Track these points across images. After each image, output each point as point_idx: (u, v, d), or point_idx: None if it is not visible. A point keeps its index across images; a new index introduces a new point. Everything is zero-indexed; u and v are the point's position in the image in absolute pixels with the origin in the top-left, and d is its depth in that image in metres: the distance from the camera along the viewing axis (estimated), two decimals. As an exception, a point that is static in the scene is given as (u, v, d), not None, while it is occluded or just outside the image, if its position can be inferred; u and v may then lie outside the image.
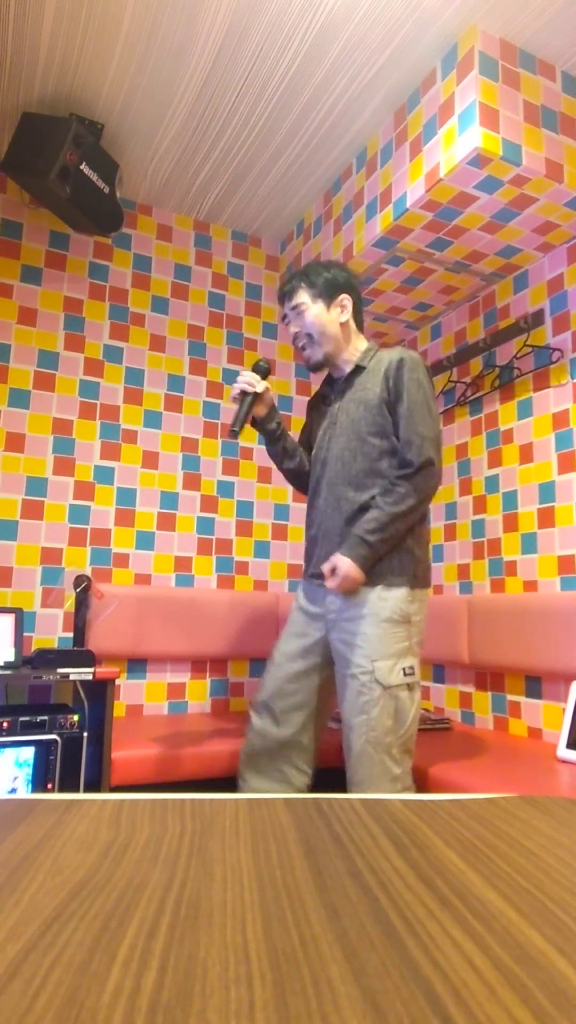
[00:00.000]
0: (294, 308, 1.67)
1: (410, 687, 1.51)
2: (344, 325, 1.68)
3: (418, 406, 1.56)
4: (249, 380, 1.63)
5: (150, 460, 2.66)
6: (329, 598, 1.62)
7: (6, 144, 2.49)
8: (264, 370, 1.68)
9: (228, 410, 2.85)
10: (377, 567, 1.54)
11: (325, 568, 1.54)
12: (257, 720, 1.68)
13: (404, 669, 1.51)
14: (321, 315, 1.65)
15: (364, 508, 1.57)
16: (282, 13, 1.92)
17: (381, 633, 1.51)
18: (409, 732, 1.51)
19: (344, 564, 1.51)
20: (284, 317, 1.73)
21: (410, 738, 1.52)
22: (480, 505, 2.59)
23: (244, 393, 1.63)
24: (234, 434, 1.59)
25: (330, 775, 2.05)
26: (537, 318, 2.37)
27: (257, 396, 1.64)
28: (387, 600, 1.53)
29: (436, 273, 2.53)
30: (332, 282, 1.66)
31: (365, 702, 1.48)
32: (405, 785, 1.50)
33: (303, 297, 1.66)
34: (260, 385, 1.64)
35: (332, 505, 1.62)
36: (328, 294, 1.65)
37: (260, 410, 1.69)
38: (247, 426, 1.88)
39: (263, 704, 1.68)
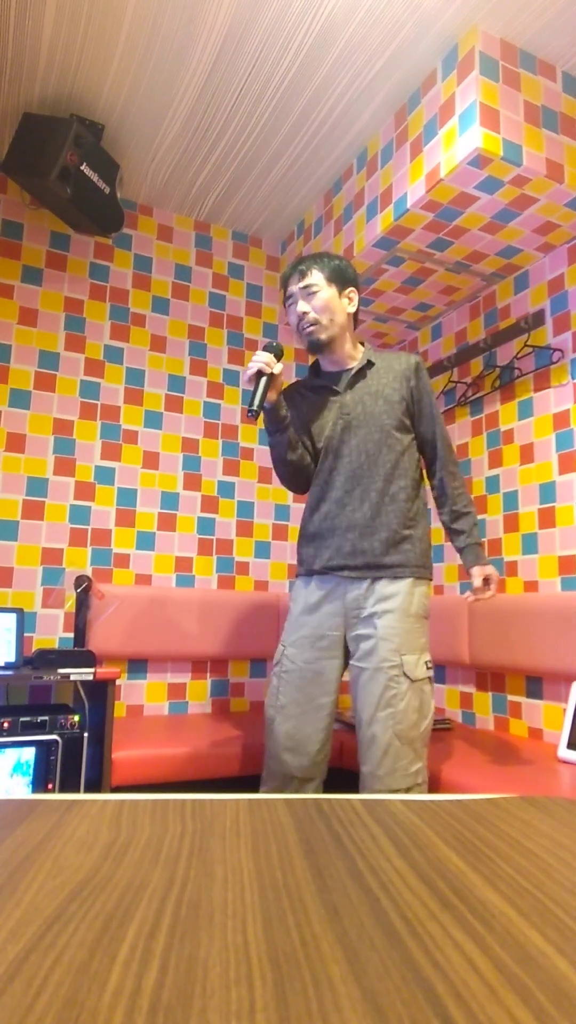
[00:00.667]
0: (305, 287, 1.64)
1: (430, 680, 1.57)
2: (349, 316, 1.69)
3: (437, 410, 1.71)
4: (266, 360, 1.53)
5: (151, 460, 2.66)
6: (352, 594, 1.59)
7: (7, 145, 2.50)
8: (278, 350, 1.57)
9: (228, 410, 2.85)
10: (407, 558, 1.59)
11: (478, 582, 1.61)
12: (288, 742, 1.61)
13: (426, 663, 1.56)
14: (333, 299, 1.65)
15: (393, 499, 1.60)
16: (282, 14, 1.92)
17: (408, 628, 1.54)
18: (429, 725, 1.54)
19: (493, 570, 1.62)
20: (289, 297, 1.68)
21: (429, 731, 1.55)
22: (481, 505, 2.58)
23: (261, 373, 1.53)
24: (254, 415, 1.49)
25: (331, 776, 2.05)
26: (538, 318, 2.37)
27: (272, 377, 1.54)
28: (415, 595, 1.57)
29: (437, 273, 2.53)
30: (343, 272, 1.67)
31: (393, 696, 1.50)
32: (424, 778, 1.52)
33: (317, 278, 1.64)
34: (277, 366, 1.55)
35: (358, 497, 1.61)
36: (340, 282, 1.66)
37: (272, 395, 1.58)
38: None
39: (291, 720, 1.61)
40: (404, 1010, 0.32)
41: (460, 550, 1.65)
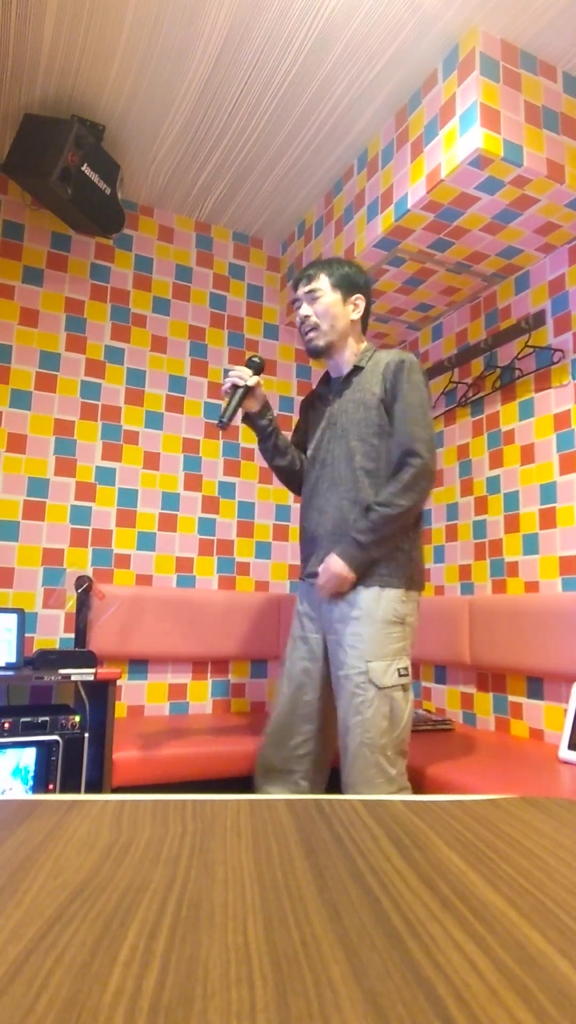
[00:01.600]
0: (310, 292, 1.66)
1: (404, 688, 1.52)
2: (354, 323, 1.70)
3: (413, 408, 1.57)
4: (240, 374, 1.63)
5: (151, 461, 2.66)
6: (326, 601, 1.62)
7: (8, 145, 2.50)
8: (257, 366, 1.66)
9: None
10: (372, 568, 1.55)
11: (319, 568, 1.57)
12: (274, 734, 1.66)
13: (399, 670, 1.51)
14: (335, 305, 1.65)
15: (361, 505, 1.58)
16: (283, 15, 1.92)
17: (375, 633, 1.51)
18: (403, 733, 1.51)
19: (335, 564, 1.53)
20: (295, 301, 1.71)
21: (404, 739, 1.52)
22: (481, 506, 2.58)
23: (235, 387, 1.63)
24: (222, 426, 1.57)
25: (331, 776, 2.04)
26: (538, 319, 2.37)
27: (248, 390, 1.63)
28: (382, 600, 1.53)
29: (437, 274, 2.53)
30: (351, 279, 1.67)
31: (360, 703, 1.48)
32: (401, 786, 1.50)
33: (322, 283, 1.65)
34: (251, 379, 1.63)
35: (334, 505, 1.62)
36: (346, 288, 1.66)
37: (252, 405, 1.68)
38: (239, 422, 1.85)
39: (279, 715, 1.67)
40: (405, 1011, 0.32)
41: (349, 540, 1.54)
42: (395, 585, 1.55)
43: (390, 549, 1.56)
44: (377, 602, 1.53)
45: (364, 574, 1.55)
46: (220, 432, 1.65)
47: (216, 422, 1.59)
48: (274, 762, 1.64)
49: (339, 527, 1.59)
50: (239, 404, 1.62)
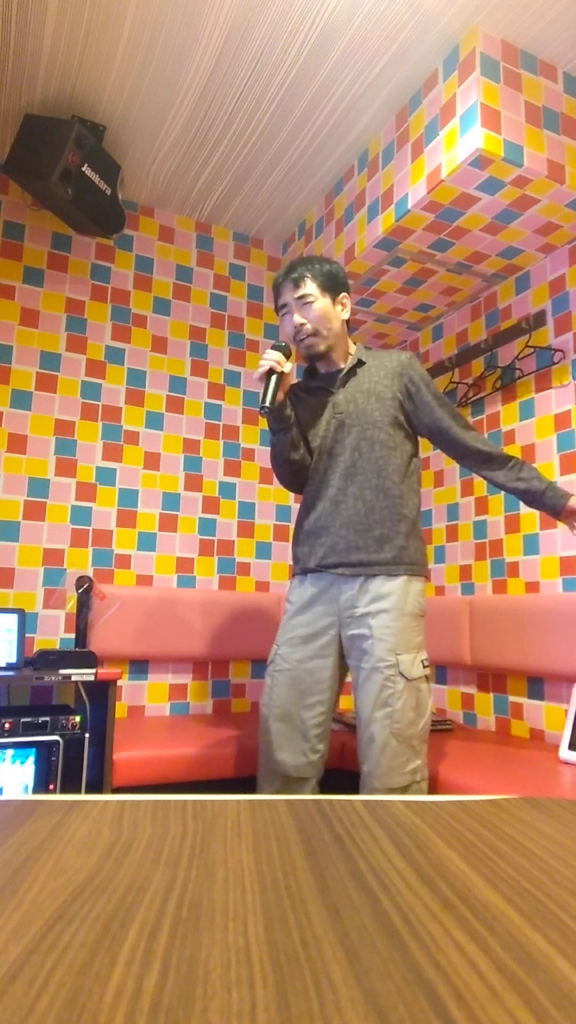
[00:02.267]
0: (300, 298, 1.63)
1: (427, 679, 1.56)
2: (344, 322, 1.70)
3: (442, 396, 1.69)
4: (277, 358, 1.56)
5: (152, 461, 2.66)
6: (346, 594, 1.60)
7: (8, 146, 2.50)
8: (285, 350, 1.59)
9: (230, 411, 2.85)
10: (402, 554, 1.58)
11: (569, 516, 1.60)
12: (282, 740, 1.60)
13: (423, 662, 1.55)
14: (327, 308, 1.65)
15: (387, 495, 1.59)
16: (283, 15, 1.92)
17: (403, 627, 1.54)
18: (427, 723, 1.55)
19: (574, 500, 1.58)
20: (283, 306, 1.67)
21: (427, 729, 1.55)
22: (482, 506, 2.58)
23: (272, 371, 1.56)
24: (266, 411, 1.52)
25: (331, 776, 2.05)
26: (539, 319, 2.37)
27: (283, 375, 1.57)
28: (409, 593, 1.57)
29: (438, 274, 2.53)
30: (336, 278, 1.66)
31: (389, 695, 1.50)
32: (424, 776, 1.53)
33: (311, 288, 1.63)
34: (286, 365, 1.58)
35: (353, 495, 1.61)
36: (333, 289, 1.66)
37: (279, 394, 1.60)
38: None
39: (284, 721, 1.61)
40: (406, 1011, 0.32)
41: (541, 493, 1.60)
42: (419, 572, 1.61)
43: (414, 535, 1.62)
44: (405, 595, 1.56)
45: (393, 560, 1.58)
46: (267, 416, 1.60)
47: (258, 408, 1.57)
48: (289, 771, 1.58)
49: (363, 517, 1.59)
50: (277, 389, 1.56)
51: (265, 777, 1.62)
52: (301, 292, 1.63)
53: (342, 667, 1.65)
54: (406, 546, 1.59)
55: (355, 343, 1.76)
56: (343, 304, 1.69)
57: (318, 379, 1.75)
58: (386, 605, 1.55)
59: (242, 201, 2.78)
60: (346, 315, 1.69)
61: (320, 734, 1.61)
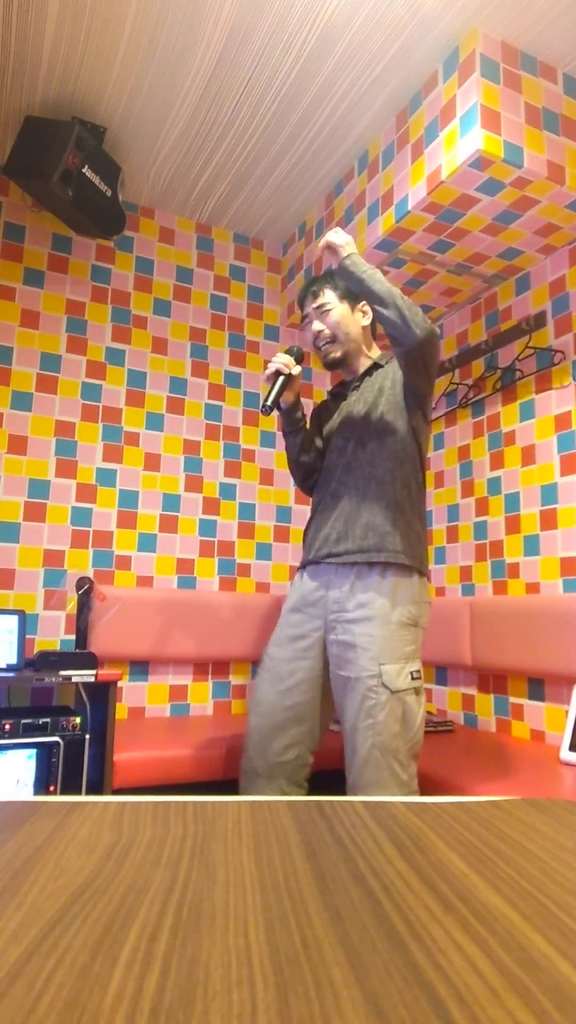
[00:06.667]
0: (319, 307, 1.67)
1: (417, 691, 1.49)
2: (364, 329, 1.72)
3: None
4: (286, 361, 1.61)
5: (152, 462, 2.66)
6: (332, 596, 1.57)
7: (9, 147, 2.50)
8: (299, 355, 1.65)
9: (230, 412, 2.85)
10: (388, 544, 1.51)
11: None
12: (256, 736, 1.60)
13: (412, 673, 1.48)
14: (345, 315, 1.67)
15: (380, 483, 1.56)
16: (284, 17, 1.92)
17: (389, 635, 1.48)
18: (416, 737, 1.48)
19: (332, 236, 1.51)
20: (304, 317, 1.72)
21: (417, 743, 1.49)
22: (482, 507, 2.58)
23: (279, 373, 1.60)
24: (267, 410, 1.55)
25: (332, 777, 2.04)
26: (539, 320, 2.37)
27: (290, 378, 1.62)
28: (397, 600, 1.50)
29: (438, 275, 2.53)
30: None
31: (371, 706, 1.45)
32: (411, 790, 1.48)
33: (329, 297, 1.67)
34: (295, 368, 1.62)
35: (349, 485, 1.61)
36: (352, 297, 1.68)
37: (288, 396, 1.67)
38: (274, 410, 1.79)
39: (262, 717, 1.60)
40: (406, 1013, 0.32)
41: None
42: (408, 567, 1.52)
43: (398, 524, 1.54)
44: (393, 601, 1.50)
45: (375, 547, 1.51)
46: (267, 415, 1.63)
47: (260, 408, 1.60)
48: (258, 768, 1.58)
49: (355, 506, 1.57)
50: (281, 391, 1.60)
51: (241, 772, 1.63)
52: (320, 302, 1.68)
53: (324, 673, 1.61)
54: (392, 533, 1.52)
55: (376, 351, 1.76)
56: (364, 311, 1.70)
57: (342, 387, 1.79)
58: (371, 612, 1.50)
59: (242, 202, 2.78)
60: (366, 321, 1.71)
61: (295, 738, 1.57)
